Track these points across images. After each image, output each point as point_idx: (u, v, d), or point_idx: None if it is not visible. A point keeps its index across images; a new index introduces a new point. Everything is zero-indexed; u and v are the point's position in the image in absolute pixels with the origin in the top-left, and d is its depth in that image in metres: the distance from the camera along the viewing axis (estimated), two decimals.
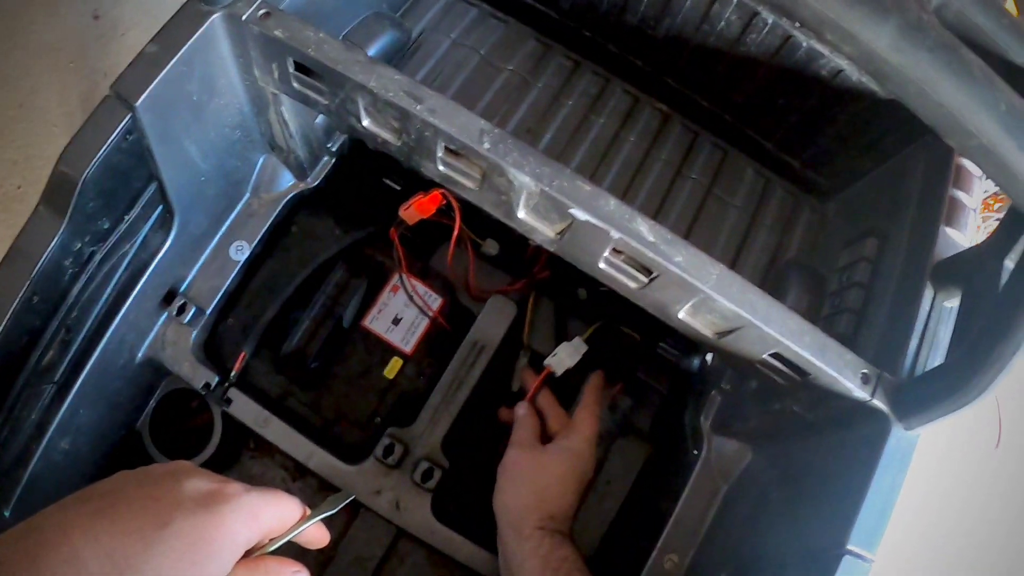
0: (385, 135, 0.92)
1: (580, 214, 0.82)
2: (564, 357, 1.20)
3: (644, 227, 0.82)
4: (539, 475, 1.07)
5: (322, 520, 0.74)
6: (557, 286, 1.26)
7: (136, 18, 2.49)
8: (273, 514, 0.68)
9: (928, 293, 0.98)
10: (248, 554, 0.67)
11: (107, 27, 2.48)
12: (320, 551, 1.11)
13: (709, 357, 1.21)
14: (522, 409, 1.17)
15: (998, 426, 2.63)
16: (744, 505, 1.07)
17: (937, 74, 0.63)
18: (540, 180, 0.82)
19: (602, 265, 0.89)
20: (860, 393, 0.87)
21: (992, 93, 0.64)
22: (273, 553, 0.69)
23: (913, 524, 2.43)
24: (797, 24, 0.65)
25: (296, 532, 0.70)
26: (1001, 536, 2.50)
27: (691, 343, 1.01)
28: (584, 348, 1.21)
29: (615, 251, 0.87)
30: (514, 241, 0.96)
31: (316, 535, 0.74)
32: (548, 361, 1.21)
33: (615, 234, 0.82)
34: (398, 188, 1.28)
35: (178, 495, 0.62)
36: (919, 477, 2.47)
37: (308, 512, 0.72)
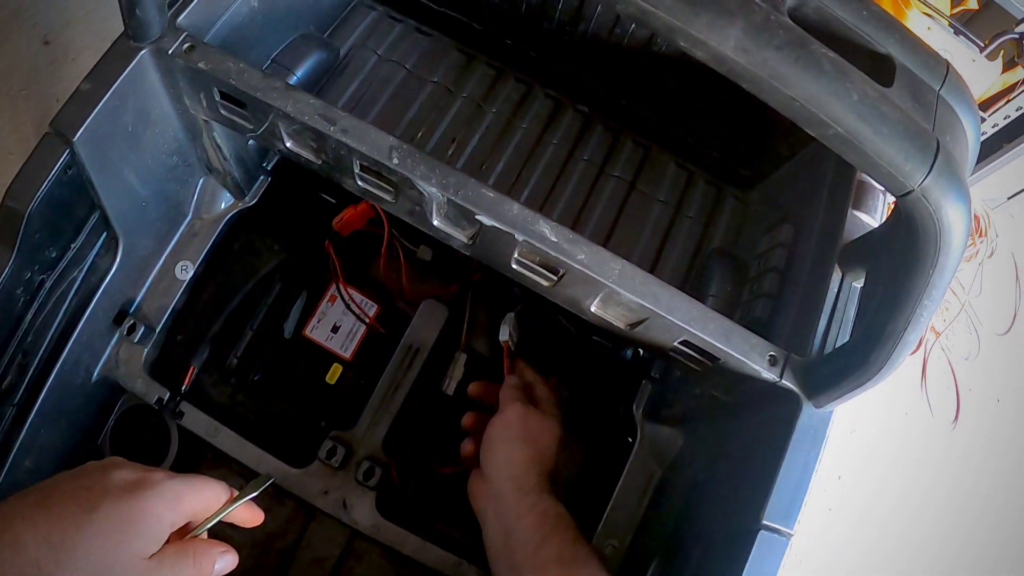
0: (307, 155, 0.97)
1: (486, 219, 0.87)
2: (511, 330, 1.24)
3: (547, 228, 0.87)
4: (542, 434, 1.08)
5: (255, 505, 0.81)
6: (491, 287, 1.30)
7: (87, 42, 2.49)
8: (197, 498, 0.74)
9: (836, 275, 1.02)
10: (183, 535, 0.73)
11: (58, 52, 2.48)
12: (280, 553, 1.17)
13: (640, 349, 1.25)
14: (512, 380, 1.18)
15: (956, 404, 2.68)
16: (677, 488, 1.11)
17: (786, 70, 0.66)
18: (446, 190, 0.87)
19: (514, 266, 0.95)
20: (768, 374, 0.91)
21: (843, 84, 0.67)
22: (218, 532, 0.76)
23: (872, 499, 2.48)
24: None
25: (224, 514, 0.77)
26: (957, 508, 2.56)
27: (620, 336, 1.04)
28: (515, 319, 1.25)
29: (524, 252, 0.92)
30: (447, 247, 1.00)
31: (247, 515, 0.82)
32: (502, 338, 1.24)
33: (519, 236, 0.87)
34: (333, 202, 1.32)
35: (107, 484, 0.69)
36: (880, 453, 2.52)
37: (236, 495, 0.78)
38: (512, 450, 1.07)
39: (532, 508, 1.00)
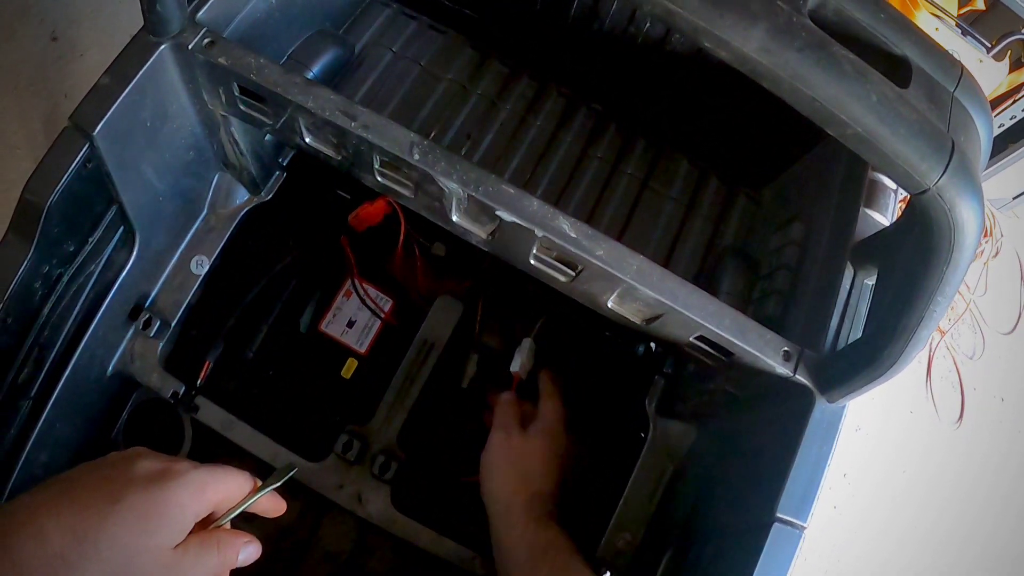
0: (326, 151, 0.97)
1: (506, 215, 0.88)
2: (524, 360, 1.24)
3: (566, 224, 0.88)
4: (522, 457, 1.09)
5: (278, 494, 0.81)
6: (505, 283, 1.30)
7: (94, 38, 2.46)
8: (220, 488, 0.74)
9: (849, 272, 1.03)
10: (205, 525, 0.73)
11: (66, 48, 2.46)
12: (293, 547, 1.17)
13: (653, 344, 1.25)
14: (507, 396, 1.19)
15: (960, 403, 2.69)
16: (689, 483, 1.12)
17: (807, 71, 0.67)
18: (467, 186, 0.88)
19: (533, 262, 0.95)
20: (782, 369, 0.92)
21: (863, 85, 0.68)
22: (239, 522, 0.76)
23: (877, 497, 2.49)
24: None
25: (247, 504, 0.76)
26: (961, 506, 2.57)
27: (634, 331, 1.05)
28: (534, 347, 1.26)
29: (543, 248, 0.92)
30: (461, 242, 1.01)
31: (270, 505, 0.82)
32: (513, 368, 1.24)
33: (539, 232, 0.88)
34: (348, 197, 1.32)
35: (130, 474, 0.69)
36: (885, 451, 2.53)
37: (259, 484, 0.78)
38: (495, 483, 1.09)
39: (521, 539, 1.01)
